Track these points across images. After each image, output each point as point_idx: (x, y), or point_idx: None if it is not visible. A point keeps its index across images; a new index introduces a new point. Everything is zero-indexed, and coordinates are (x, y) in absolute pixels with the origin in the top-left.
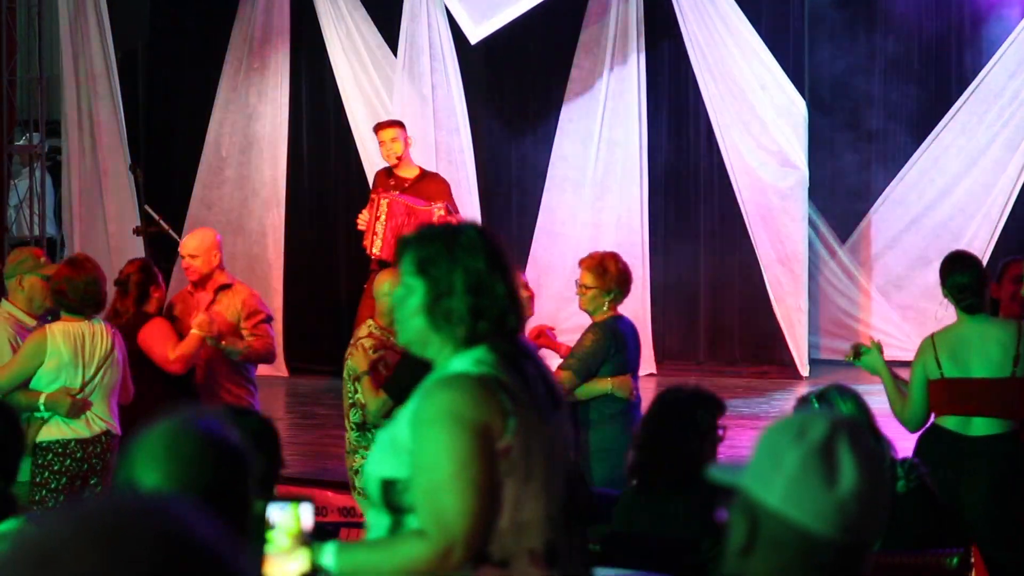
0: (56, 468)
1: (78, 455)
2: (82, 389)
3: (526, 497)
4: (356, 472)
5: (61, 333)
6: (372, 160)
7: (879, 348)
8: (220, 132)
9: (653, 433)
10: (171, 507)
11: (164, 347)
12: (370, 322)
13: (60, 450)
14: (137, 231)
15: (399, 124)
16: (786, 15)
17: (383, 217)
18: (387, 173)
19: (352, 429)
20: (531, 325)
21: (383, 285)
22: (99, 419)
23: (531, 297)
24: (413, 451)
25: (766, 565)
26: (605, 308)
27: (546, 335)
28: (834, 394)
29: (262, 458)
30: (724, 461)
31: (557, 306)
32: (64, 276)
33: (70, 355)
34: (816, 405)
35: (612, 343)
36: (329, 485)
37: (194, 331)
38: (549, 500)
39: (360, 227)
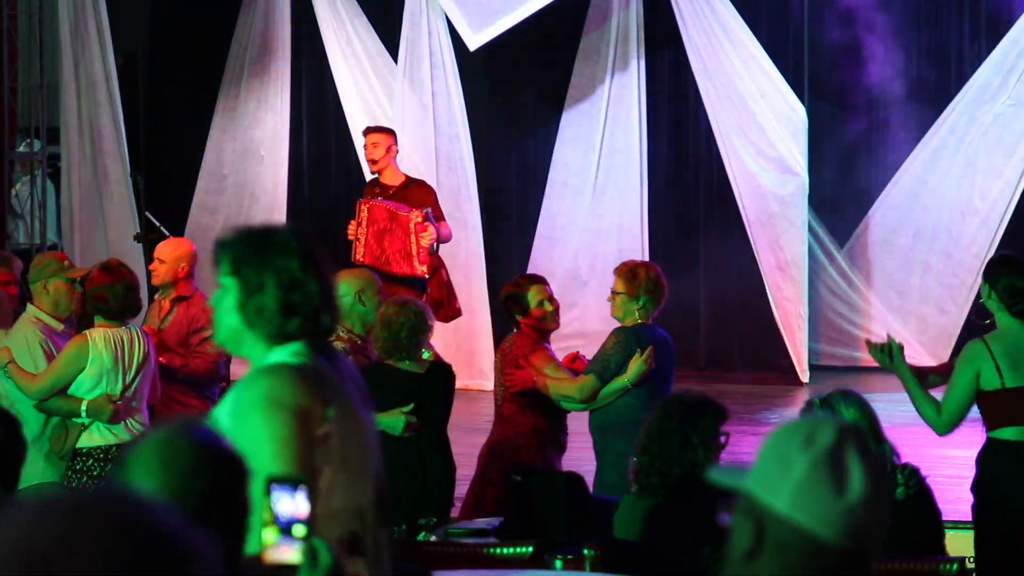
0: (96, 474)
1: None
2: (122, 395)
3: (339, 486)
4: None
5: (102, 339)
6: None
7: (901, 349)
8: (221, 139)
9: (655, 439)
10: (132, 498)
11: None
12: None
13: (101, 456)
14: (137, 238)
15: (386, 131)
16: (786, 22)
17: (364, 223)
18: (374, 183)
19: None
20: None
21: (338, 288)
22: (138, 424)
23: (557, 309)
24: (234, 439)
25: (771, 569)
26: (635, 316)
27: (580, 360)
28: (838, 398)
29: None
30: (725, 464)
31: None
32: (103, 283)
33: (111, 361)
34: (820, 410)
35: (635, 347)
36: None
37: None
38: (360, 491)
39: (350, 237)
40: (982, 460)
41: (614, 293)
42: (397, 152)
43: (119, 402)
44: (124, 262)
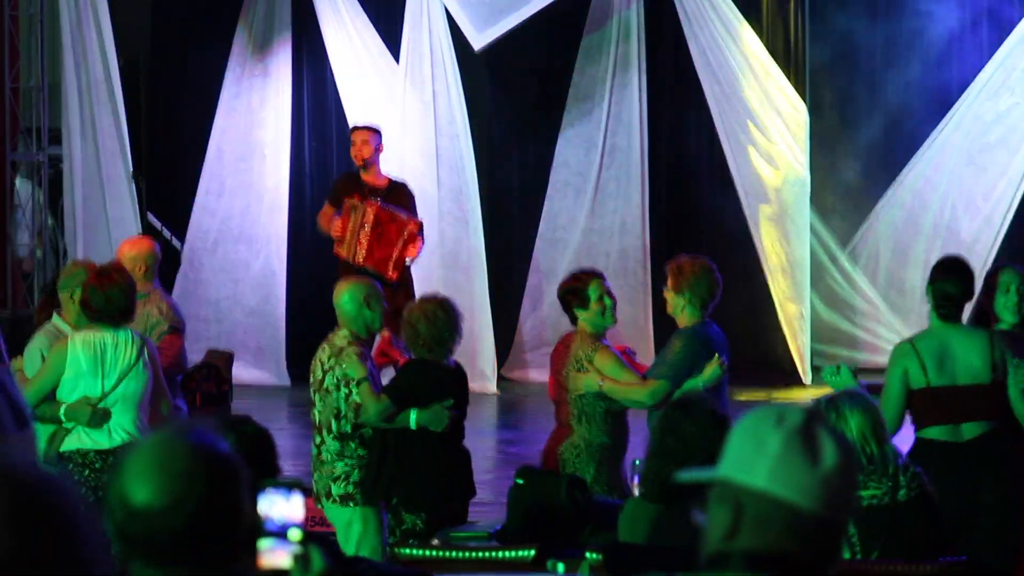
0: (76, 478)
1: (97, 465)
2: (102, 399)
3: None
4: (337, 479)
5: (81, 342)
6: None
7: (852, 372)
8: (222, 139)
9: (662, 442)
10: (26, 475)
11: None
12: (345, 332)
13: (80, 460)
14: None
15: (374, 130)
16: (787, 21)
17: (368, 226)
18: (354, 179)
19: (332, 439)
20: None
21: (343, 295)
22: (121, 429)
23: (614, 304)
24: None
25: (753, 541)
26: (683, 311)
27: (628, 355)
28: (844, 400)
29: (258, 466)
30: (689, 467)
31: (558, 312)
32: (89, 286)
33: (89, 364)
34: (825, 411)
35: (700, 348)
36: None
37: None
38: None
39: (336, 234)
40: (910, 460)
41: (665, 289)
42: (382, 149)
43: (95, 405)
44: (122, 267)
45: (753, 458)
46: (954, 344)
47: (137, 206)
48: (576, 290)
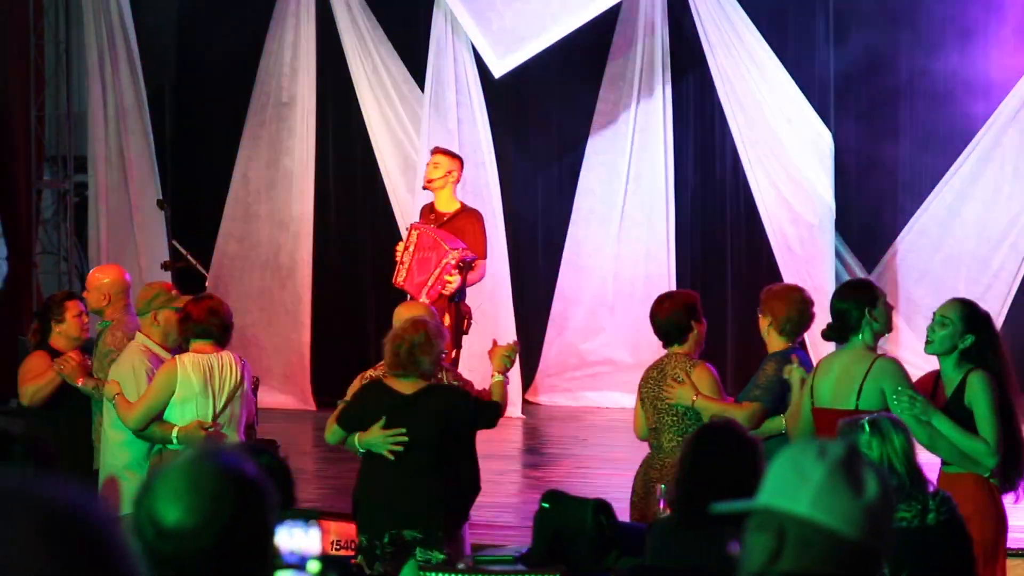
0: None
1: None
2: (214, 420)
3: None
4: None
5: (191, 363)
6: (398, 193)
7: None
8: (248, 167)
9: (692, 466)
10: (57, 490)
11: (25, 382)
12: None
13: None
14: (165, 266)
15: (452, 155)
16: (812, 48)
17: (411, 248)
18: (430, 208)
19: None
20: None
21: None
22: None
23: (704, 328)
24: None
25: (795, 563)
26: (779, 341)
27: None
28: (887, 423)
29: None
30: (719, 491)
31: (584, 338)
32: (188, 306)
33: (200, 386)
34: (867, 430)
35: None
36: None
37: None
38: None
39: (397, 257)
40: None
41: (761, 317)
42: (459, 179)
43: (210, 428)
44: (213, 295)
45: (796, 487)
46: (836, 365)
47: (164, 233)
48: (695, 309)
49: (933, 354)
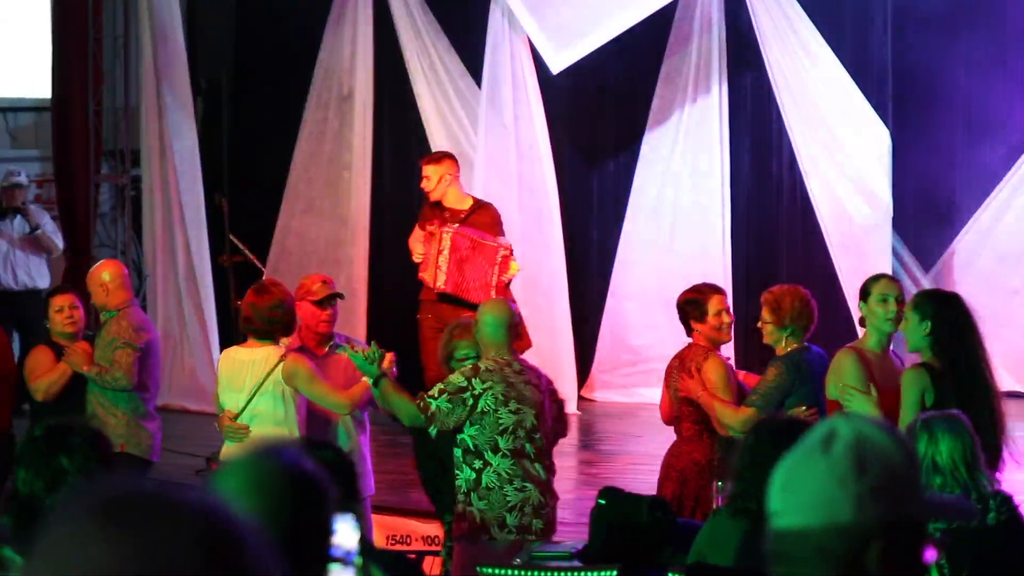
0: None
1: None
2: (239, 414)
3: None
4: (513, 508)
5: (227, 359)
6: None
7: None
8: (305, 162)
9: (749, 464)
10: (211, 503)
11: (35, 378)
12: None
13: None
14: (223, 260)
15: (436, 160)
16: (869, 43)
17: (446, 251)
18: (435, 205)
19: (501, 457)
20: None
21: (486, 315)
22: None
23: (732, 322)
24: None
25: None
26: (783, 343)
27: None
28: (939, 422)
29: (339, 490)
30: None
31: (638, 334)
32: (249, 302)
33: (227, 380)
34: (919, 431)
35: (795, 376)
36: (412, 513)
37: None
38: None
39: (416, 258)
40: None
41: (762, 322)
42: (454, 176)
43: (235, 419)
44: (278, 281)
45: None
46: None
47: (221, 228)
48: (697, 302)
49: (911, 351)
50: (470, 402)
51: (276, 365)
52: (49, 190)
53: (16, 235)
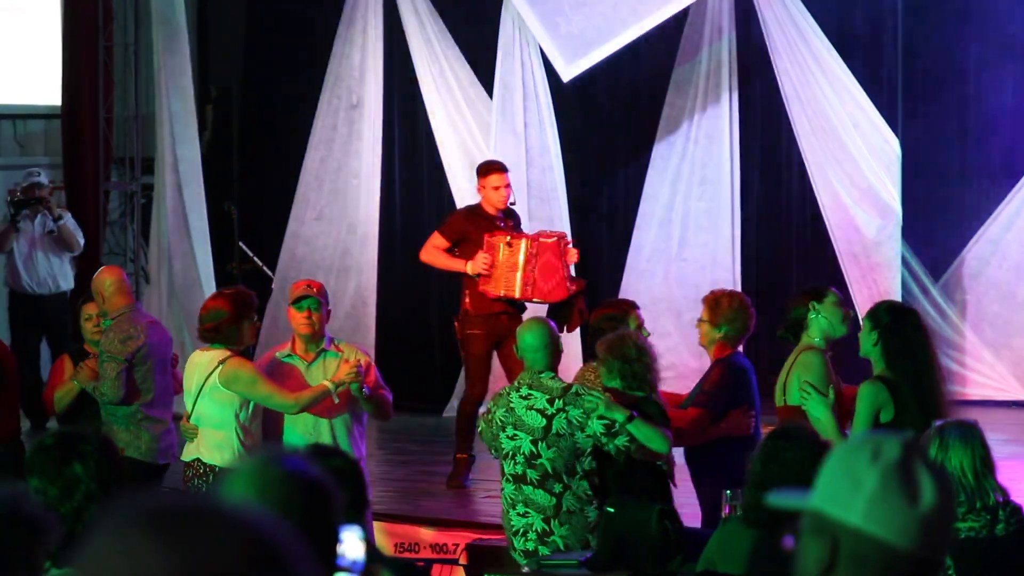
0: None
1: (188, 474)
2: (190, 414)
3: None
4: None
5: (188, 360)
6: (465, 198)
7: None
8: (314, 170)
9: (764, 470)
10: (259, 519)
11: (49, 387)
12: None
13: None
14: (232, 268)
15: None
16: (880, 53)
17: (521, 258)
18: (478, 212)
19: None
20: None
21: (527, 335)
22: (193, 447)
23: (650, 336)
24: None
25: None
26: (716, 343)
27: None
28: (951, 430)
29: (347, 496)
30: (782, 490)
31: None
32: (205, 306)
33: (185, 382)
34: (932, 434)
35: (740, 378)
36: (421, 522)
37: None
38: None
39: (483, 271)
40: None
41: (700, 321)
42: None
43: (184, 421)
44: (237, 289)
45: (848, 495)
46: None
47: (229, 235)
48: (615, 319)
49: (862, 356)
50: (491, 424)
51: (214, 369)
52: (59, 197)
53: (37, 234)
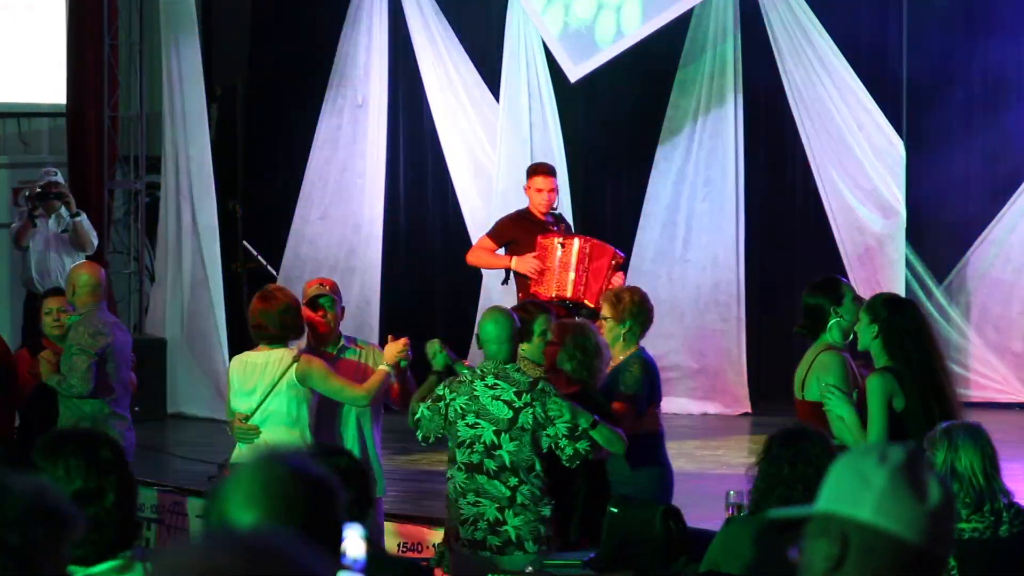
0: None
1: None
2: (250, 415)
3: None
4: (548, 521)
5: (239, 362)
6: (469, 199)
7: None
8: (319, 169)
9: (765, 471)
10: (293, 550)
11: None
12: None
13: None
14: (236, 267)
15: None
16: (884, 55)
17: (573, 259)
18: (527, 216)
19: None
20: None
21: (485, 325)
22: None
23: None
24: None
25: (859, 570)
26: (620, 340)
27: None
28: (958, 431)
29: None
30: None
31: (651, 344)
32: (259, 310)
33: (239, 384)
34: (938, 438)
35: (652, 375)
36: (425, 521)
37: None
38: None
39: (531, 273)
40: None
41: (602, 318)
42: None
43: (244, 422)
44: (280, 286)
45: (858, 493)
46: (806, 359)
47: (232, 234)
48: (523, 321)
49: (861, 350)
50: (443, 411)
51: (290, 366)
52: None
53: (51, 233)
